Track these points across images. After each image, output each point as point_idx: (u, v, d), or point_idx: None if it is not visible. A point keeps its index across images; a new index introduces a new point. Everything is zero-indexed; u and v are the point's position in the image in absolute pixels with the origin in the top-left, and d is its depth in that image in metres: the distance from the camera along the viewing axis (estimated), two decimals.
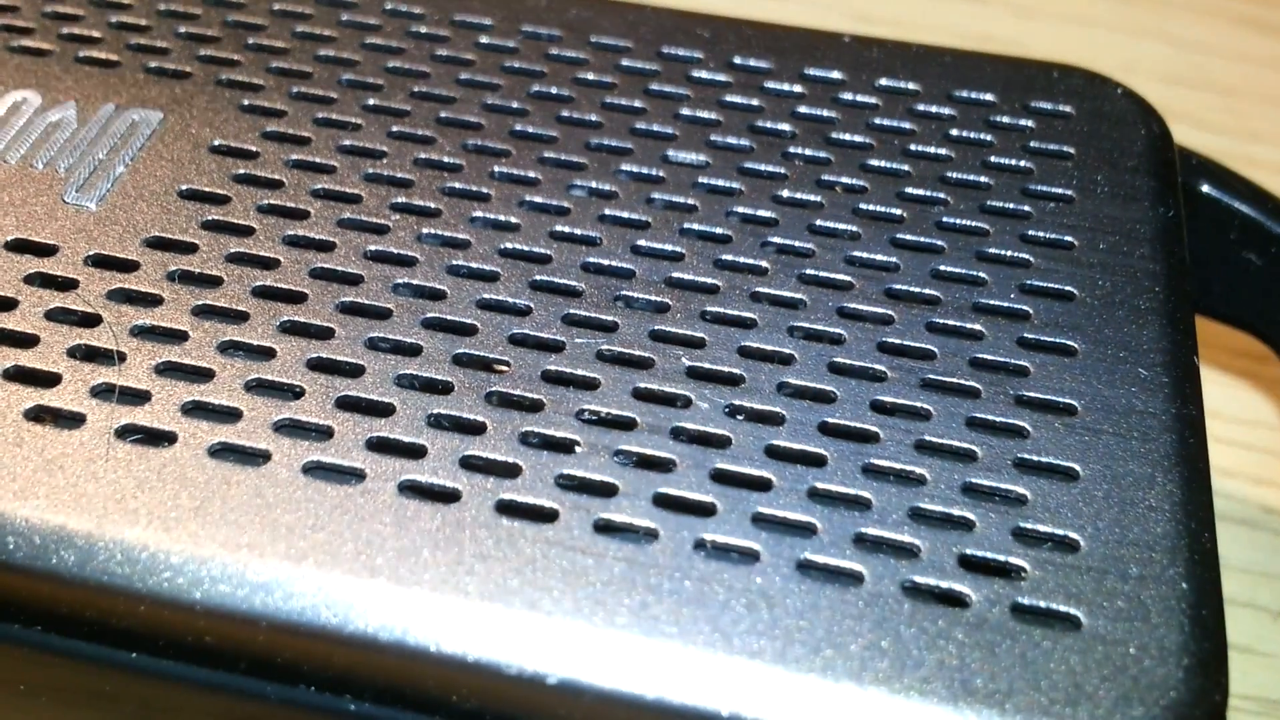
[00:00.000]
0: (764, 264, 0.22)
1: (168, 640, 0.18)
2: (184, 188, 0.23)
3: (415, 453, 0.19)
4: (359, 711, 0.18)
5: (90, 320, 0.21)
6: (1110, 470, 0.19)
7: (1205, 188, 0.26)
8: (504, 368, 0.20)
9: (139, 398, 0.20)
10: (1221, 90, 0.43)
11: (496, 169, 0.24)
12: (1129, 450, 0.20)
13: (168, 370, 0.20)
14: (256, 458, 0.19)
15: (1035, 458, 0.20)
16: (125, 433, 0.19)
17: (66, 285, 0.21)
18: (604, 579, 0.18)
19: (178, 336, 0.20)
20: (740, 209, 0.23)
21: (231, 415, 0.19)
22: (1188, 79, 0.44)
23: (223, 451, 0.19)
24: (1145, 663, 0.17)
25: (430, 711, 0.18)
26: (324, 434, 0.19)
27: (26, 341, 0.20)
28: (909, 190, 0.24)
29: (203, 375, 0.20)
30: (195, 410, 0.20)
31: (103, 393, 0.20)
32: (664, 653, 0.17)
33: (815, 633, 0.17)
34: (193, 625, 0.18)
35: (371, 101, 0.25)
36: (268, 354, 0.20)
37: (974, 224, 0.23)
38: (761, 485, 0.19)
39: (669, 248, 0.23)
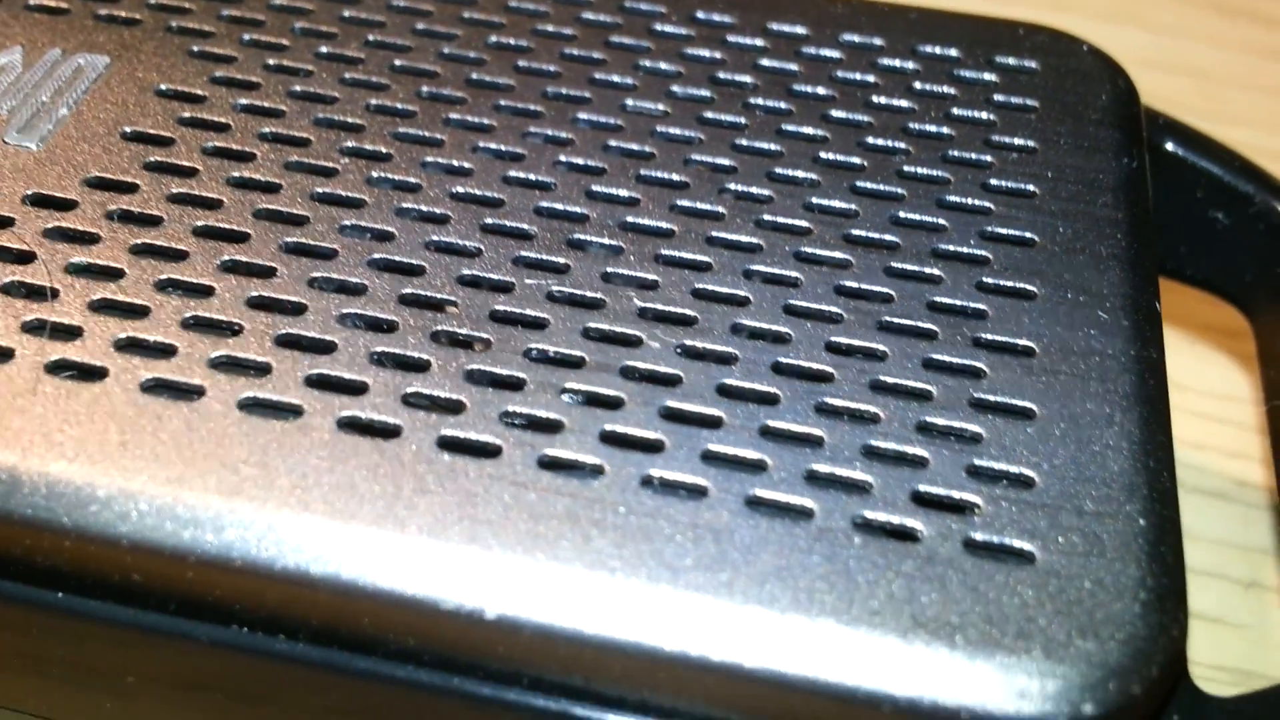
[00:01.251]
0: (720, 209, 0.22)
1: (94, 578, 0.17)
2: (128, 130, 0.22)
3: (356, 389, 0.19)
4: (293, 652, 0.17)
5: (25, 257, 0.20)
6: (1067, 410, 0.19)
7: (1171, 146, 0.26)
8: (452, 308, 0.20)
9: (71, 334, 0.19)
10: (1197, 74, 0.43)
11: (451, 115, 0.23)
12: (1086, 390, 0.19)
13: (102, 307, 0.19)
14: (190, 394, 0.18)
15: (991, 397, 0.19)
16: (56, 368, 0.19)
17: (2, 223, 0.21)
18: (546, 513, 0.17)
19: (113, 274, 0.20)
20: (698, 156, 0.23)
21: (166, 351, 0.19)
22: (1163, 63, 0.44)
23: (155, 388, 0.18)
24: (1100, 597, 0.17)
25: (367, 650, 0.17)
26: (262, 371, 0.19)
27: None
28: (870, 140, 0.24)
29: (138, 312, 0.19)
30: (129, 346, 0.19)
31: (34, 329, 0.19)
32: (605, 586, 0.17)
33: (761, 566, 0.17)
34: (120, 562, 0.17)
35: (325, 49, 0.24)
36: (206, 292, 0.20)
37: (935, 173, 0.23)
38: (712, 423, 0.19)
39: (624, 193, 0.22)
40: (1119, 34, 0.47)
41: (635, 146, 0.23)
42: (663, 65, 0.25)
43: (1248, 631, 0.29)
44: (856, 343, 0.20)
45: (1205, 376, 0.35)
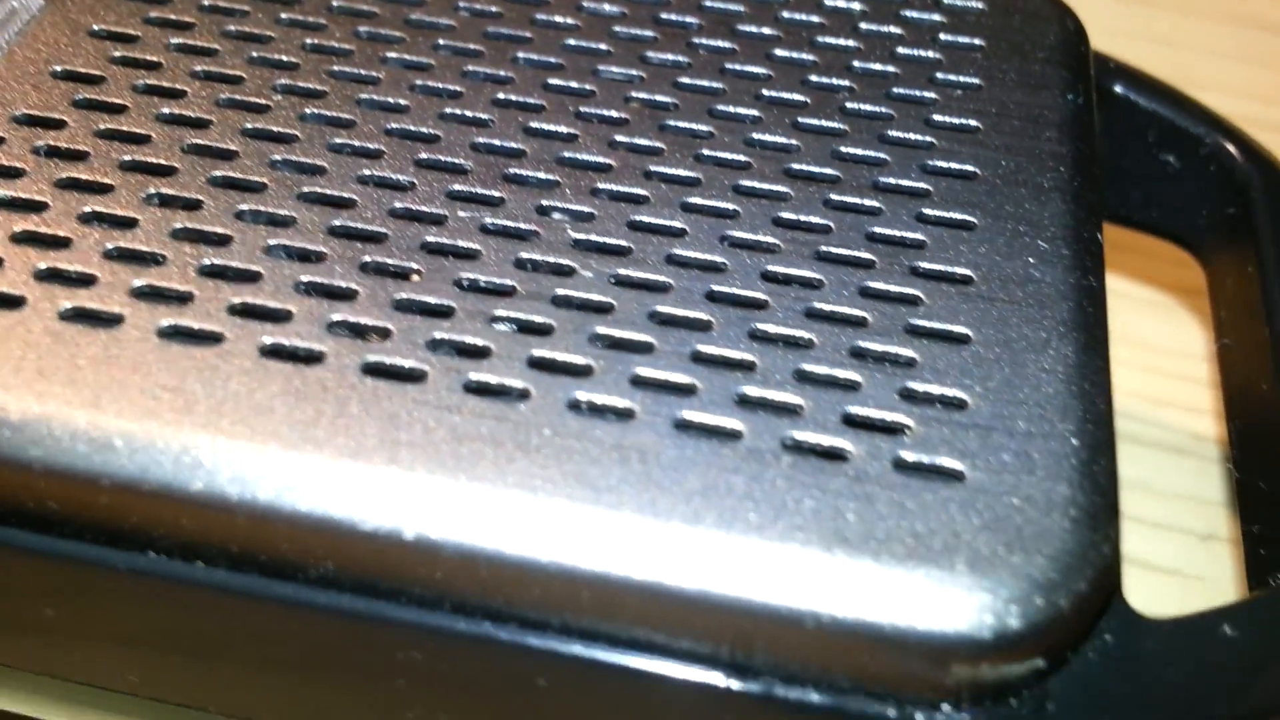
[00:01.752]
0: (660, 145, 0.22)
1: (7, 505, 0.17)
2: (59, 69, 0.22)
3: (279, 317, 0.18)
4: (211, 579, 0.17)
5: None
6: (1003, 335, 0.19)
7: (1120, 89, 0.26)
8: (382, 240, 0.20)
9: None
10: (1161, 41, 0.43)
11: (389, 54, 0.23)
12: (1023, 316, 0.19)
13: (23, 239, 0.19)
14: (109, 322, 0.18)
15: (926, 323, 0.19)
16: None
17: None
18: (469, 435, 0.17)
19: (36, 207, 0.19)
20: (638, 94, 0.23)
21: (86, 281, 0.19)
22: (1127, 30, 0.44)
23: (74, 316, 0.18)
24: (1029, 514, 0.16)
25: (287, 576, 0.17)
26: (183, 299, 0.18)
27: None
28: (813, 78, 0.23)
29: (59, 243, 0.19)
30: (49, 277, 0.19)
31: None
32: (526, 506, 0.16)
33: (686, 486, 0.16)
34: (33, 487, 0.17)
35: None
36: (129, 224, 0.19)
37: (879, 110, 0.23)
38: (642, 349, 0.18)
39: (562, 129, 0.22)
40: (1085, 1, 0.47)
41: (575, 85, 0.23)
42: (605, 6, 0.25)
43: (1205, 583, 0.29)
44: (792, 272, 0.20)
45: (1167, 334, 0.35)
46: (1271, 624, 0.17)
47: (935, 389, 0.18)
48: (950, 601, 0.16)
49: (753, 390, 0.18)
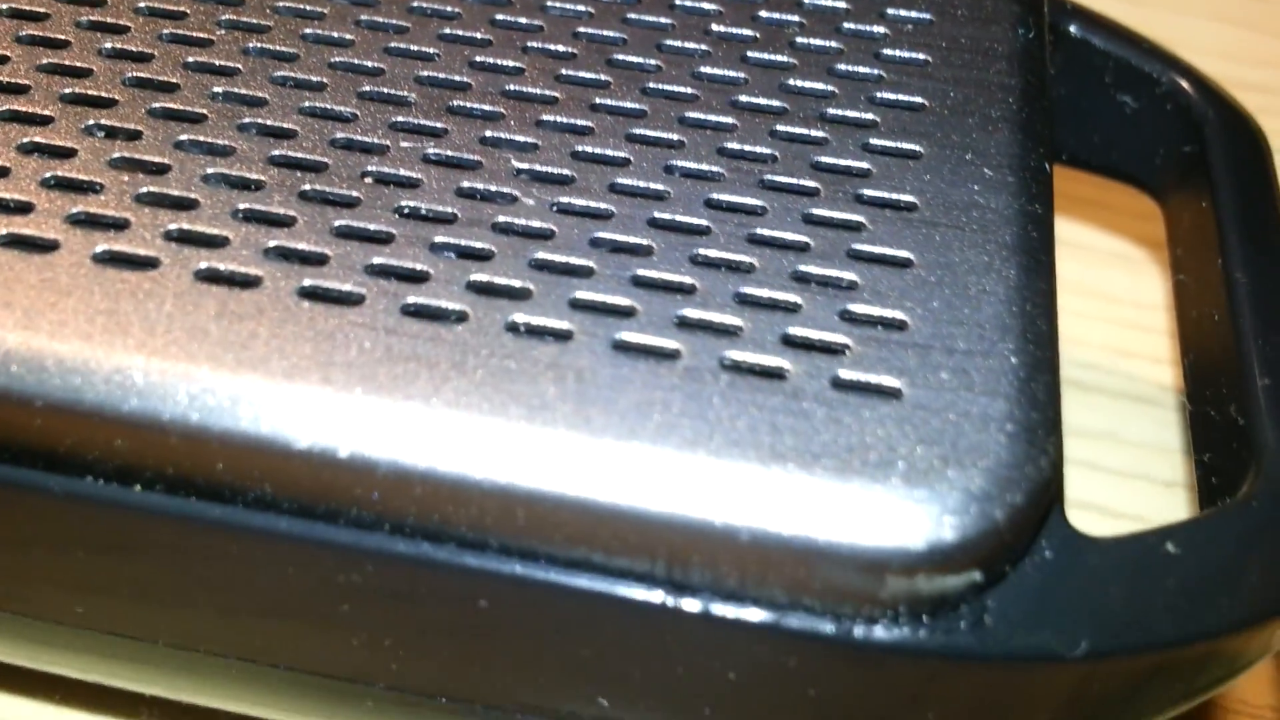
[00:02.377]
0: (606, 78, 0.22)
1: None
2: (4, 7, 0.22)
3: (216, 243, 0.18)
4: (148, 503, 0.17)
5: None
6: (945, 258, 0.19)
7: (1075, 30, 0.26)
8: (322, 170, 0.19)
9: None
10: (1137, 1, 0.43)
11: None
12: (966, 241, 0.19)
13: None
14: (44, 248, 0.18)
15: (869, 248, 0.19)
16: None
17: None
18: (405, 356, 0.17)
19: None
20: (585, 29, 0.22)
21: (22, 209, 0.18)
22: None
23: (9, 243, 0.18)
24: (965, 428, 0.16)
25: (224, 499, 0.17)
26: (119, 226, 0.18)
27: None
28: (762, 14, 0.23)
29: None
30: None
31: None
32: (460, 424, 0.16)
33: (622, 403, 0.16)
34: None
35: None
36: (68, 154, 0.19)
37: (827, 44, 0.23)
38: (582, 273, 0.18)
39: (508, 63, 0.22)
40: None
41: (524, 20, 0.23)
42: None
43: None
44: (736, 199, 0.19)
45: (1134, 287, 0.35)
46: (1214, 543, 0.17)
47: (875, 310, 0.18)
48: (885, 514, 0.16)
49: (692, 312, 0.18)
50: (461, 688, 0.18)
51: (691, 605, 0.16)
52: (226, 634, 0.19)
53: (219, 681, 0.20)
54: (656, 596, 0.16)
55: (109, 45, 0.21)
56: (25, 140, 0.19)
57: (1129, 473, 0.31)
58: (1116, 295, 0.35)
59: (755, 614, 0.16)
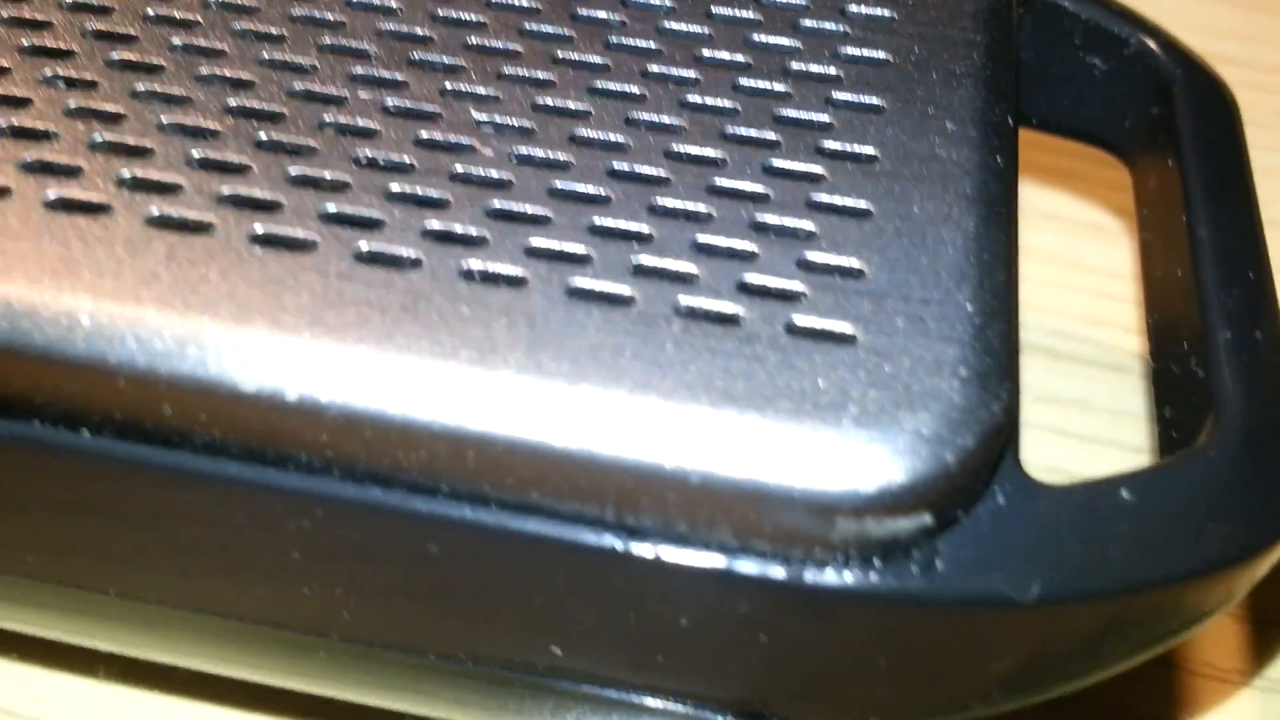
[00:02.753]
0: (569, 33, 0.21)
1: None
2: None
3: (169, 190, 0.18)
4: (97, 448, 0.17)
5: None
6: (904, 209, 0.18)
7: None
8: (279, 119, 0.19)
9: None
10: None
11: None
12: (926, 192, 0.19)
13: None
14: None
15: (828, 199, 0.19)
16: None
17: None
18: (356, 300, 0.17)
19: None
20: None
21: None
22: None
23: None
24: (918, 373, 0.16)
25: (172, 444, 0.17)
26: (72, 173, 0.18)
27: None
28: None
29: None
30: None
31: None
32: (408, 366, 0.16)
33: (573, 347, 0.16)
34: None
35: None
36: (23, 103, 0.19)
37: (793, 1, 0.23)
38: (539, 221, 0.18)
39: (470, 17, 0.21)
40: None
41: None
42: None
43: None
44: (696, 151, 0.19)
45: (1107, 257, 0.35)
46: (1170, 491, 0.17)
47: (833, 259, 0.18)
48: (835, 456, 0.15)
49: (648, 259, 0.18)
50: (415, 638, 0.18)
51: (642, 550, 0.16)
52: (178, 584, 0.18)
53: (173, 635, 0.20)
54: (607, 541, 0.16)
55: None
56: None
57: (1099, 439, 0.31)
58: (1090, 265, 0.35)
59: (706, 558, 0.16)
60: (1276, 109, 0.39)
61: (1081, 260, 0.35)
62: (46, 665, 0.23)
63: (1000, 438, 0.16)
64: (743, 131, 0.20)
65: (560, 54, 0.21)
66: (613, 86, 0.21)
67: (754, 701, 0.18)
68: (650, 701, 0.19)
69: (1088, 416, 0.31)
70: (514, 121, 0.20)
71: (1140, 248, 0.24)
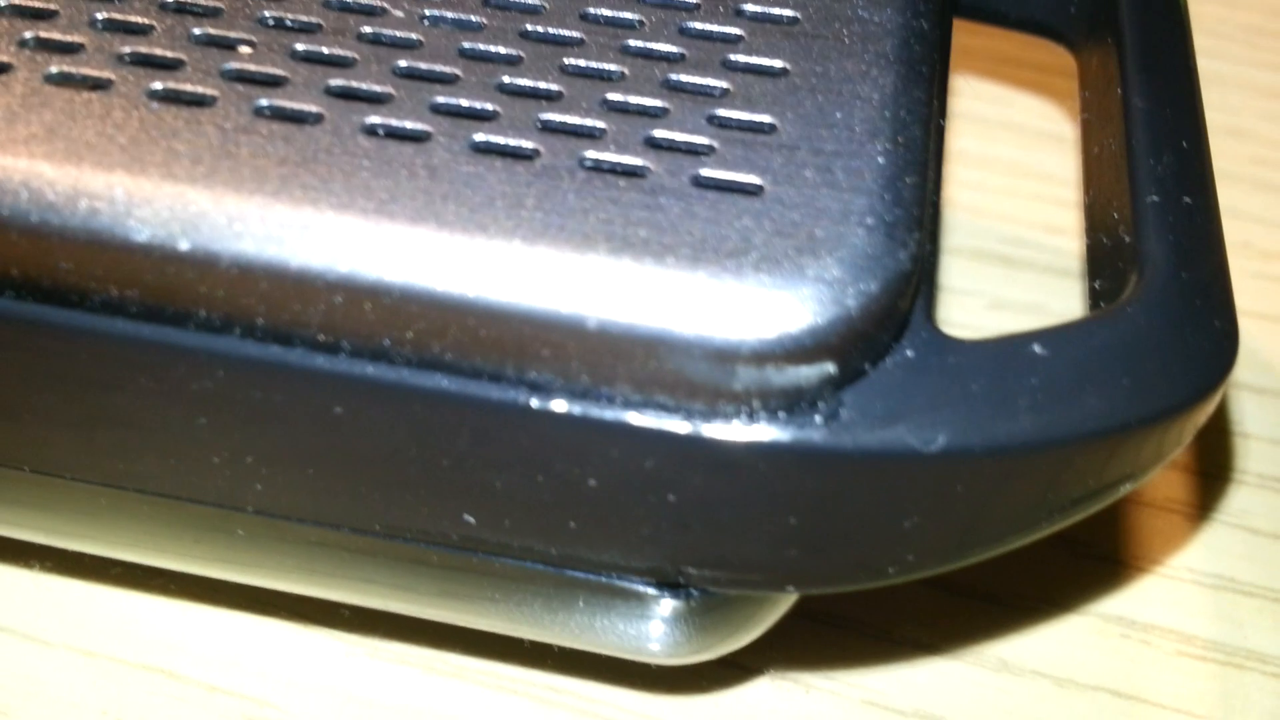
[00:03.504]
0: None
1: None
2: None
3: (70, 49, 0.18)
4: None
5: None
6: (821, 68, 0.18)
7: None
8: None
9: None
10: None
11: None
12: (844, 51, 0.18)
13: None
14: None
15: (745, 58, 0.18)
16: None
17: None
18: (253, 152, 0.16)
19: None
20: None
21: None
22: None
23: None
24: (824, 222, 0.16)
25: (70, 303, 0.16)
26: None
27: None
28: None
29: None
30: None
31: None
32: (304, 216, 0.16)
33: (473, 197, 0.16)
34: None
35: None
36: None
37: None
38: (446, 79, 0.18)
39: None
40: None
41: None
42: None
43: None
44: (611, 13, 0.19)
45: (1065, 165, 0.34)
46: (1084, 345, 0.17)
47: (745, 115, 0.17)
48: (735, 302, 0.15)
49: (555, 116, 0.17)
50: (327, 509, 0.18)
51: (543, 403, 0.16)
52: (89, 457, 0.18)
53: (92, 516, 0.20)
54: (510, 396, 0.16)
55: None
56: None
57: None
58: (1048, 173, 0.35)
59: (607, 411, 0.16)
60: (1222, 16, 0.39)
61: (1040, 169, 0.35)
62: None
63: (907, 287, 0.16)
64: None
65: None
66: None
67: (669, 570, 0.18)
68: (567, 574, 0.19)
69: (1044, 322, 0.30)
70: None
71: (1081, 126, 0.23)
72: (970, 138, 0.35)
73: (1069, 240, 0.32)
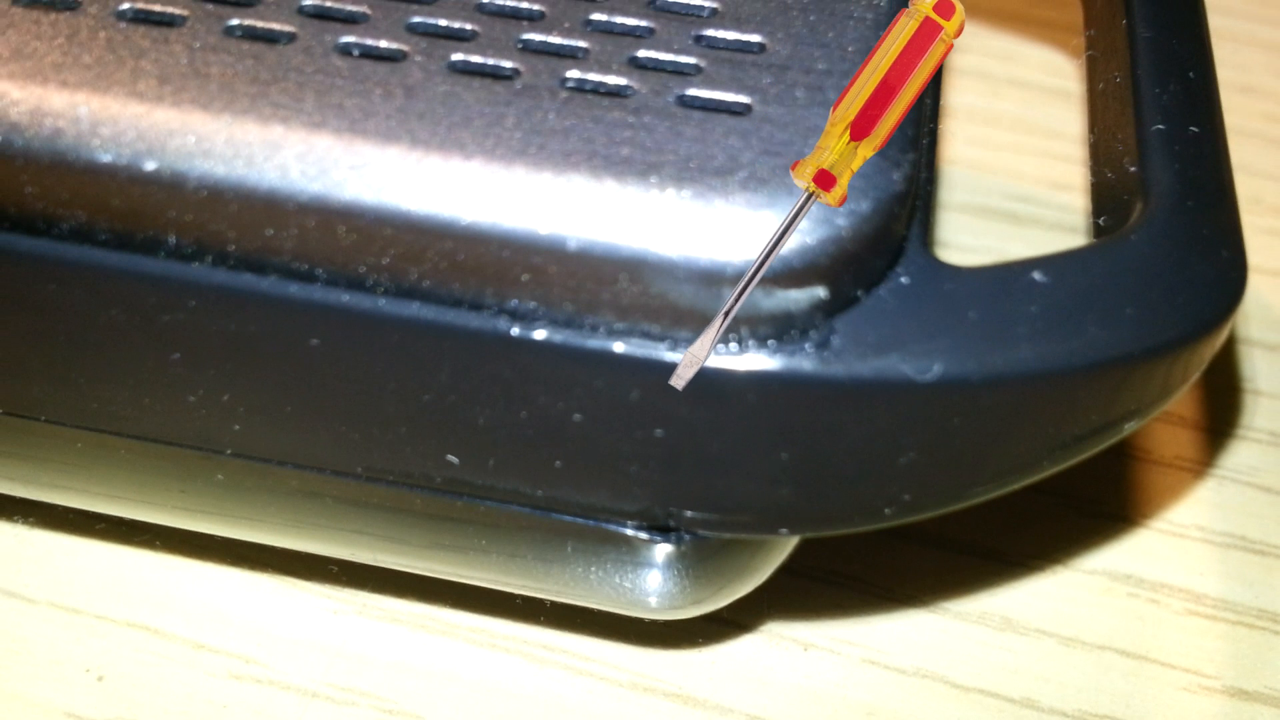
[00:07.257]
0: None
1: None
2: None
3: None
4: None
5: None
6: None
7: None
8: None
9: None
10: None
11: None
12: None
13: None
14: None
15: None
16: None
17: None
18: (222, 72, 0.16)
19: None
20: None
21: None
22: None
23: None
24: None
25: (37, 231, 0.16)
26: None
27: None
28: None
29: None
30: None
31: None
32: (274, 135, 0.15)
33: (449, 116, 0.15)
34: None
35: None
36: None
37: None
38: (423, 0, 0.17)
39: None
40: None
41: None
42: None
43: None
44: None
45: (1072, 121, 0.34)
46: (1085, 273, 0.16)
47: (734, 35, 0.17)
48: (721, 222, 0.15)
49: (536, 36, 0.17)
50: (307, 450, 0.18)
51: (524, 332, 0.15)
52: (60, 395, 0.18)
53: (69, 462, 0.19)
54: (489, 323, 0.15)
55: None
56: None
57: None
58: (1055, 130, 0.34)
59: (590, 340, 0.15)
60: None
61: (1047, 125, 0.34)
62: None
63: (901, 209, 0.15)
64: None
65: None
66: None
67: (659, 513, 0.18)
68: (555, 519, 0.18)
69: None
70: None
71: (1086, 63, 0.23)
72: (975, 94, 0.34)
73: (1075, 197, 0.31)
